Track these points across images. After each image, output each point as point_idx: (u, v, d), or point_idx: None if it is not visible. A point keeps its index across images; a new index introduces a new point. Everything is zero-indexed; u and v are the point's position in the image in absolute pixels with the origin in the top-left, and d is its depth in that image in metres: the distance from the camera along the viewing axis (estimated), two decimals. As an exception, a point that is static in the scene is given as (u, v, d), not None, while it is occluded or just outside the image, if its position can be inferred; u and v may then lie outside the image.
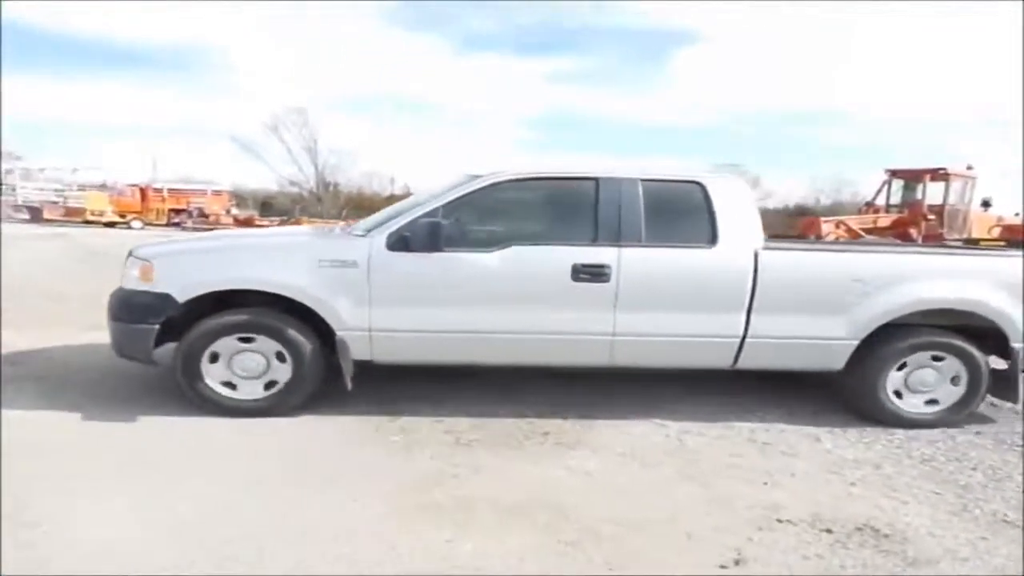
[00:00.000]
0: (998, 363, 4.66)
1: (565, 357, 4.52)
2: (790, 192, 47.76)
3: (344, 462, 3.67)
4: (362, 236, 4.35)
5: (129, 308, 4.25)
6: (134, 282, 4.29)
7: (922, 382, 4.55)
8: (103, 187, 38.61)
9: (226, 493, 3.23)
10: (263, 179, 59.00)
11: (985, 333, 4.52)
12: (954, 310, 4.45)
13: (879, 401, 4.55)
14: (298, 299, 4.19)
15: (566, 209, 4.61)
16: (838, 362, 4.51)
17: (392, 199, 53.15)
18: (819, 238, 14.39)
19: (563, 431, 4.22)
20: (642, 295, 4.31)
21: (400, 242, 4.18)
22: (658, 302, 4.34)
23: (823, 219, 18.12)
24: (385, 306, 4.23)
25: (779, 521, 3.16)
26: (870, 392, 4.55)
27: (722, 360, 4.51)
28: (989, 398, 4.75)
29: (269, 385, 4.25)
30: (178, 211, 34.09)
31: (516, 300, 4.31)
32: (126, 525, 2.91)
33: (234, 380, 4.24)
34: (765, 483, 3.58)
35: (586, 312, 4.31)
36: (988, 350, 4.58)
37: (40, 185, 37.41)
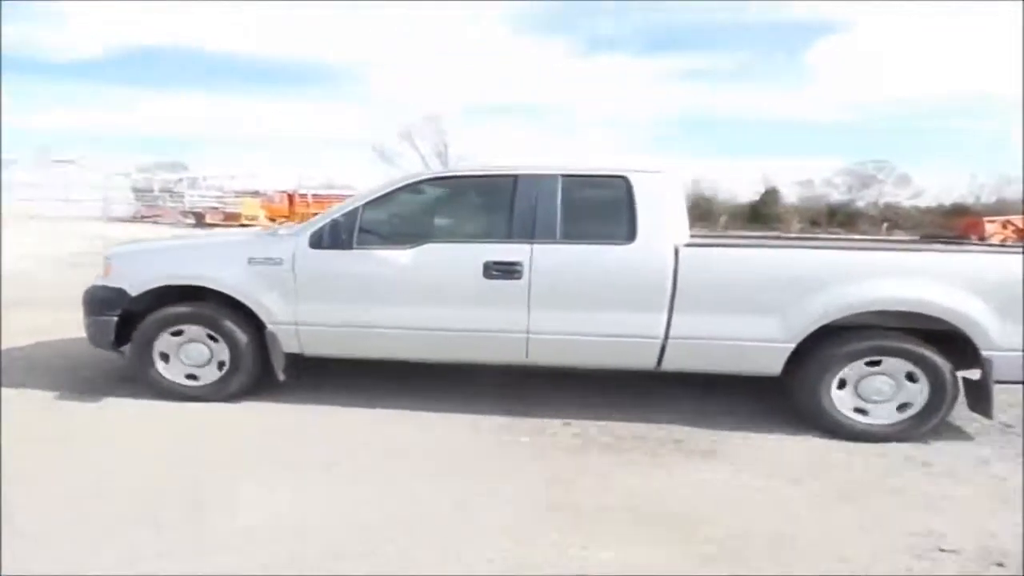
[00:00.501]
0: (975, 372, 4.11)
1: (481, 354, 4.48)
2: (946, 190, 44.07)
3: (474, 461, 3.72)
4: (289, 235, 4.55)
5: (93, 302, 4.67)
6: (100, 279, 4.72)
7: (876, 391, 4.12)
8: (256, 194, 41.70)
9: (365, 488, 3.34)
10: (398, 185, 61.48)
11: (955, 339, 4.03)
12: (910, 313, 3.99)
13: (822, 409, 4.16)
14: (230, 294, 4.45)
15: (483, 207, 4.67)
16: (774, 366, 4.18)
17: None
18: (982, 239, 13.17)
19: (696, 440, 4.09)
20: (556, 293, 4.22)
21: (318, 240, 4.33)
22: (573, 300, 4.23)
23: (986, 219, 16.56)
24: (308, 301, 4.41)
25: (941, 551, 2.90)
26: (812, 400, 4.17)
27: (644, 361, 4.30)
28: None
29: (220, 368, 4.57)
30: (321, 215, 36.07)
31: (429, 297, 4.32)
32: (287, 508, 3.10)
33: (186, 369, 4.60)
34: (926, 508, 3.29)
35: (499, 309, 4.26)
36: (960, 358, 4.08)
37: (202, 192, 40.89)
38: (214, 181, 43.88)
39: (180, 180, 42.31)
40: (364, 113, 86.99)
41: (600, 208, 4.39)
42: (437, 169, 4.20)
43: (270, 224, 31.15)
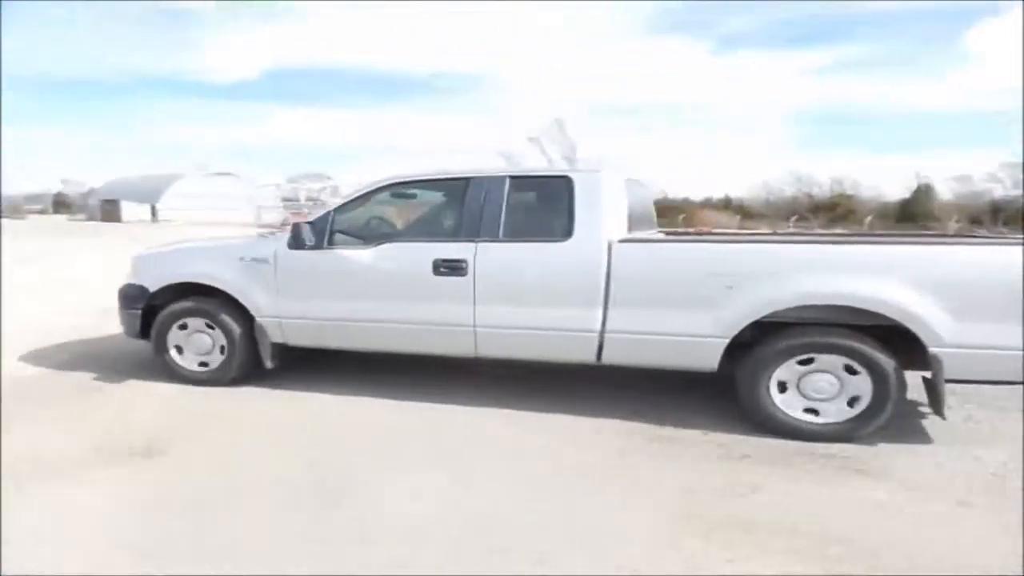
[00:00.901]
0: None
1: (434, 347, 4.66)
2: None
3: (611, 466, 3.56)
4: (275, 237, 4.93)
5: (123, 298, 5.27)
6: (128, 278, 5.28)
7: (816, 389, 3.95)
8: (391, 200, 43.58)
9: (505, 488, 3.29)
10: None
11: (904, 336, 3.79)
12: (845, 307, 3.83)
13: (761, 406, 4.04)
14: (225, 289, 4.91)
15: (437, 208, 4.96)
16: (710, 361, 4.10)
17: (645, 204, 52.67)
18: None
19: (846, 454, 3.73)
20: (498, 288, 4.38)
21: (295, 240, 4.65)
22: (515, 295, 4.36)
23: None
24: (289, 297, 4.80)
25: None
26: (751, 396, 4.06)
27: (585, 355, 4.35)
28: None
29: (222, 353, 4.98)
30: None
31: (387, 292, 4.60)
32: (433, 508, 3.08)
33: (196, 356, 5.06)
34: None
35: (448, 304, 4.46)
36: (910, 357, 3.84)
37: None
38: (355, 189, 46.28)
39: (323, 189, 45.11)
40: (493, 119, 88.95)
41: (543, 208, 4.54)
42: (400, 174, 4.79)
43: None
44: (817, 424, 3.98)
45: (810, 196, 46.59)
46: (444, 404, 4.59)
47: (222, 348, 4.99)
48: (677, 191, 52.01)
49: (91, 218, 42.45)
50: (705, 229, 15.69)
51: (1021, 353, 3.65)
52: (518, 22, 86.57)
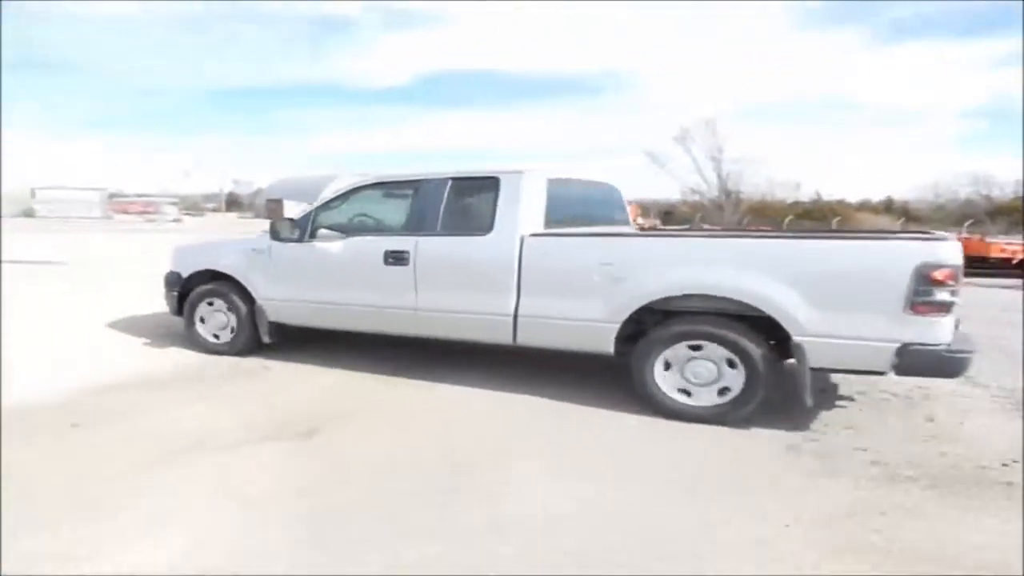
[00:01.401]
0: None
1: (385, 326, 5.27)
2: None
3: (759, 479, 3.38)
4: None
5: (166, 282, 6.27)
6: (169, 266, 6.26)
7: (695, 374, 4.21)
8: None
9: (655, 490, 3.23)
10: (667, 189, 60.92)
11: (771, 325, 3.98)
12: (716, 297, 4.10)
13: (648, 389, 4.34)
14: (233, 276, 5.79)
15: (393, 206, 5.46)
16: (605, 344, 4.45)
17: (796, 206, 49.62)
18: None
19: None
20: (433, 276, 4.93)
21: (272, 234, 5.48)
22: (446, 282, 4.90)
23: None
24: (279, 282, 5.58)
25: None
26: (640, 379, 4.36)
27: (504, 336, 4.76)
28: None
29: (231, 332, 5.88)
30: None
31: (350, 279, 5.27)
32: (577, 504, 3.05)
33: (213, 330, 5.97)
34: None
35: (395, 289, 5.06)
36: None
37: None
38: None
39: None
40: (637, 120, 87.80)
41: (474, 205, 4.97)
42: (368, 177, 5.53)
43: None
44: (694, 406, 4.22)
45: (988, 198, 42.19)
46: (576, 404, 4.59)
47: (232, 327, 5.86)
48: (832, 191, 48.88)
49: (258, 215, 46.29)
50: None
51: (882, 344, 3.74)
52: (667, 19, 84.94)
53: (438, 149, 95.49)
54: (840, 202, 46.53)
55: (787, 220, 36.97)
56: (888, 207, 46.22)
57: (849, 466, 3.56)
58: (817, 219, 40.36)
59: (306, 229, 5.42)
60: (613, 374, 4.86)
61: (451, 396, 4.76)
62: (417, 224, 5.07)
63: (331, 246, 5.35)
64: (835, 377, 5.38)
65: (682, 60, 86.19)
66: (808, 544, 2.73)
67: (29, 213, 45.71)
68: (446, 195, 4.99)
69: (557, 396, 4.73)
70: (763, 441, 3.91)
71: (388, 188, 5.55)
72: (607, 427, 4.17)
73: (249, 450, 3.65)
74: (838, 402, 4.73)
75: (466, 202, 5.03)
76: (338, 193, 5.53)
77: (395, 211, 5.41)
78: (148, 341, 6.38)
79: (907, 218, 37.13)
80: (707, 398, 4.19)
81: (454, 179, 5.02)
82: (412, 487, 3.22)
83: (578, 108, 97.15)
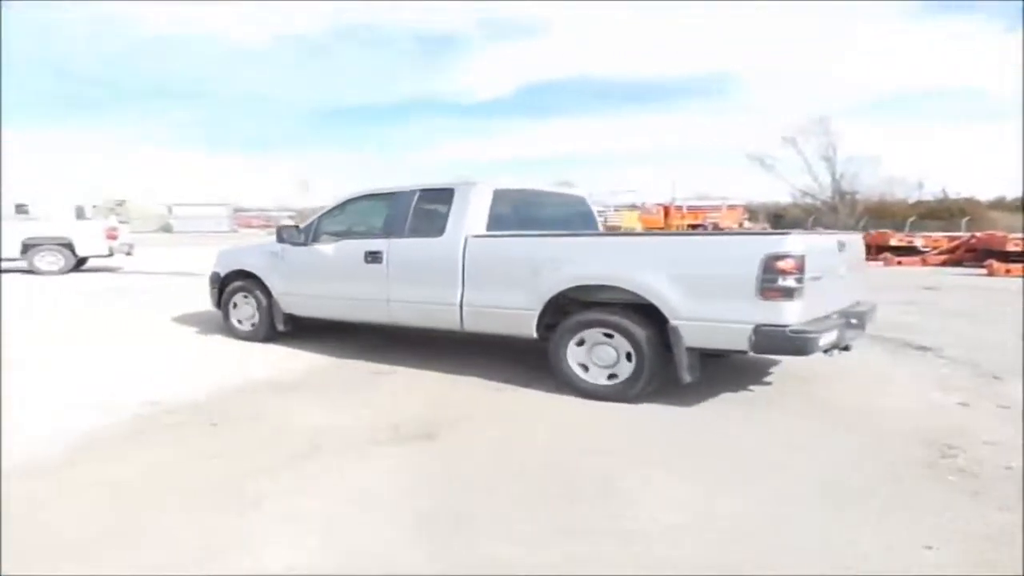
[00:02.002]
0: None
1: (367, 315, 6.17)
2: None
3: (896, 497, 3.19)
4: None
5: (210, 280, 7.55)
6: (212, 267, 7.49)
7: (598, 357, 4.80)
8: (633, 207, 43.73)
9: (777, 502, 3.15)
10: (775, 192, 58.70)
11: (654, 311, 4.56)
12: (606, 286, 4.73)
13: (562, 370, 4.94)
14: (256, 274, 6.93)
15: (375, 214, 6.22)
16: (529, 329, 5.11)
17: (919, 205, 46.60)
18: None
19: None
20: (401, 272, 5.79)
21: (278, 238, 6.63)
22: (411, 277, 5.74)
23: None
24: (289, 279, 6.66)
25: None
26: (556, 360, 4.97)
27: (453, 323, 5.52)
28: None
29: (254, 321, 7.08)
30: (695, 226, 36.36)
31: (340, 275, 6.20)
32: (695, 515, 3.01)
33: (244, 320, 7.18)
34: None
35: (373, 284, 5.92)
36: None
37: (587, 208, 44.33)
38: (598, 197, 47.27)
39: (566, 197, 46.39)
40: (743, 120, 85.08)
41: (434, 212, 5.72)
42: (357, 191, 6.60)
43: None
44: (598, 385, 4.80)
45: None
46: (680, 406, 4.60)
47: (258, 317, 7.00)
48: (960, 189, 45.49)
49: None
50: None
51: (741, 325, 4.22)
52: (772, 18, 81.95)
53: (540, 156, 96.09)
54: (969, 200, 43.25)
55: (909, 221, 34.81)
56: (1025, 204, 42.47)
57: (994, 483, 3.34)
58: (943, 219, 37.69)
59: (310, 234, 6.46)
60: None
61: (561, 404, 4.79)
62: (390, 229, 5.93)
63: (327, 248, 6.33)
64: (970, 387, 5.06)
65: (788, 59, 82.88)
66: (962, 564, 2.58)
67: (167, 228, 49.60)
68: (413, 204, 5.86)
69: (673, 402, 4.71)
70: (889, 451, 3.76)
71: (372, 199, 6.41)
72: (728, 431, 4.13)
73: (373, 452, 3.81)
74: (969, 412, 4.41)
75: (428, 209, 5.79)
76: (337, 203, 6.58)
77: (376, 218, 6.23)
78: (270, 345, 6.85)
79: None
80: (604, 378, 4.78)
81: (421, 191, 5.90)
82: (531, 490, 3.27)
83: (682, 111, 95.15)
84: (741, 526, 2.90)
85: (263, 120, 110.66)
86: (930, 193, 46.69)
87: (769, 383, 5.33)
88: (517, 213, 6.03)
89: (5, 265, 14.72)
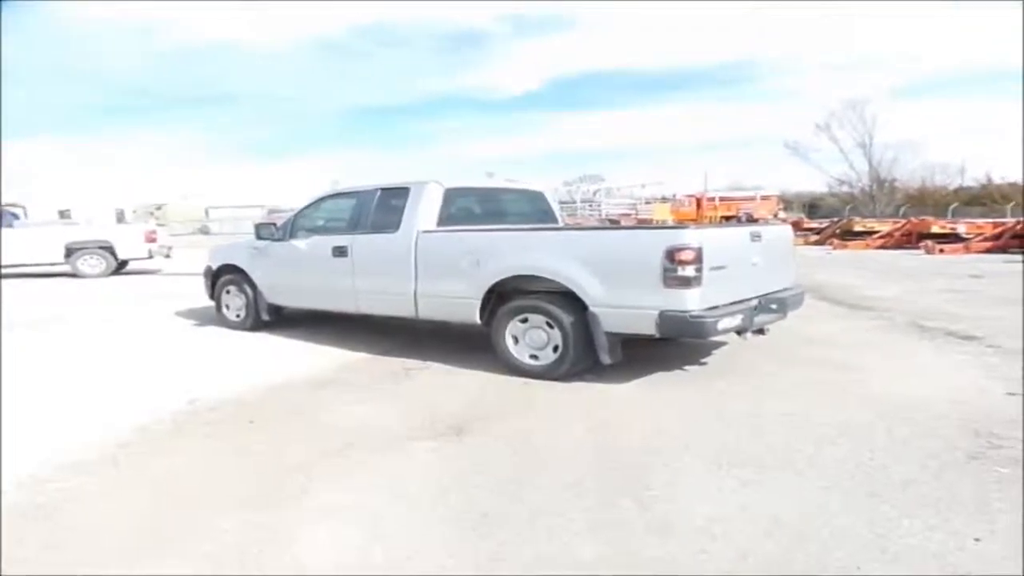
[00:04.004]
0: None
1: (338, 305, 6.67)
2: None
3: (942, 487, 3.12)
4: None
5: (204, 274, 8.15)
6: (205, 262, 8.06)
7: (532, 339, 5.25)
8: (665, 199, 43.32)
9: (806, 493, 3.09)
10: (811, 181, 57.68)
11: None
12: (541, 277, 5.12)
13: (502, 352, 5.40)
14: (243, 268, 7.45)
15: (343, 211, 6.71)
16: (473, 316, 5.53)
17: (961, 192, 45.45)
18: None
19: None
20: (364, 265, 6.25)
21: (256, 235, 7.18)
22: (372, 269, 6.20)
23: None
24: (270, 272, 7.18)
25: None
26: (497, 343, 5.42)
27: (410, 312, 5.99)
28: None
29: (242, 312, 7.62)
30: (728, 217, 35.86)
31: (312, 268, 6.72)
32: (733, 508, 2.97)
33: (233, 311, 7.75)
34: None
35: (341, 276, 6.38)
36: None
37: (617, 201, 44.08)
38: (627, 190, 46.99)
39: (598, 191, 46.25)
40: (778, 108, 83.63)
41: (392, 209, 6.08)
42: (327, 190, 7.16)
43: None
44: (534, 365, 5.22)
45: None
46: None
47: (245, 307, 7.51)
48: (1005, 174, 44.14)
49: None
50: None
51: (649, 311, 4.58)
52: (803, 8, 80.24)
53: (569, 151, 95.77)
54: (1014, 185, 41.99)
55: (952, 207, 33.95)
56: (1077, 188, 41.08)
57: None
58: (987, 205, 36.68)
59: (287, 231, 6.96)
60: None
61: (594, 396, 4.77)
62: (355, 225, 6.40)
63: (301, 244, 6.82)
64: (1018, 377, 4.90)
65: (822, 44, 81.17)
66: (1002, 558, 2.50)
67: (204, 230, 50.57)
68: (375, 202, 6.27)
69: (703, 395, 4.72)
70: (931, 442, 3.67)
71: (341, 197, 6.88)
72: (761, 426, 4.03)
73: (408, 447, 3.84)
74: (1017, 401, 4.28)
75: (387, 207, 6.15)
76: (311, 201, 7.06)
77: (343, 215, 6.68)
78: (306, 342, 6.89)
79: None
80: (544, 357, 5.17)
81: (381, 189, 6.30)
82: (560, 484, 3.26)
83: (713, 100, 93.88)
84: (781, 517, 2.86)
85: (294, 123, 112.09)
86: (973, 179, 45.51)
87: (814, 374, 5.25)
88: (473, 210, 6.58)
89: (49, 269, 15.15)
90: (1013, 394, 4.57)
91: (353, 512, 3.00)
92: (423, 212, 5.90)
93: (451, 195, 6.08)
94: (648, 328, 4.64)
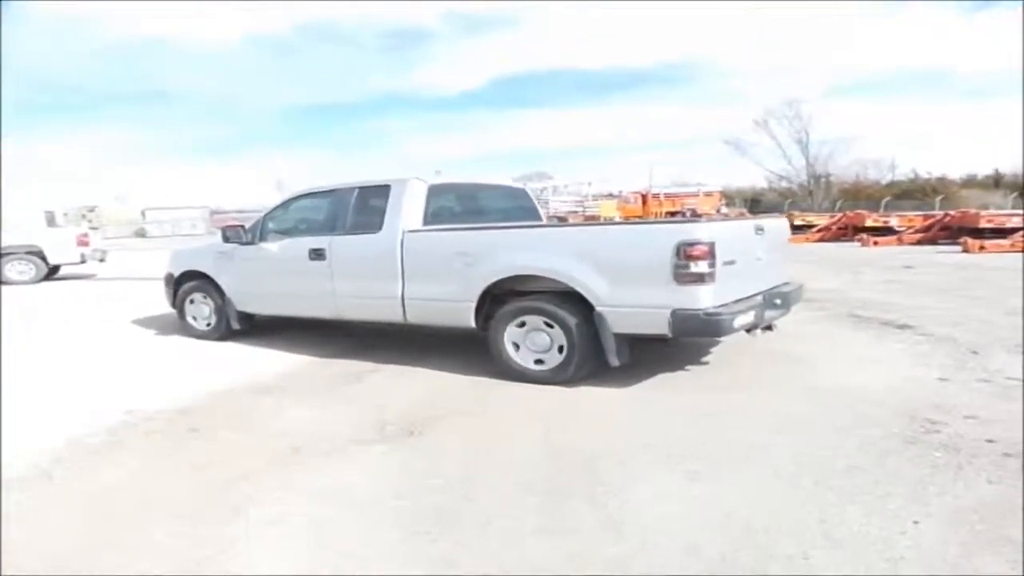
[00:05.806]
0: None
1: (315, 311, 6.29)
2: None
3: (882, 473, 3.20)
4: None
5: (164, 281, 7.59)
6: (166, 268, 7.51)
7: (534, 343, 4.93)
8: (612, 196, 43.79)
9: (764, 484, 3.13)
10: (752, 177, 59.13)
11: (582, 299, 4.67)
12: (542, 277, 4.82)
13: (501, 357, 5.06)
14: (208, 274, 6.97)
15: (317, 212, 6.43)
16: (467, 320, 5.21)
17: (893, 186, 47.33)
18: None
19: None
20: (343, 268, 5.88)
21: (223, 239, 6.61)
22: (353, 272, 5.84)
23: None
24: (239, 277, 6.73)
25: None
26: (495, 348, 5.09)
27: (396, 316, 5.66)
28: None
29: (211, 320, 7.10)
30: (673, 212, 36.50)
31: (286, 273, 6.28)
32: (683, 503, 2.97)
33: (200, 320, 7.22)
34: None
35: (318, 280, 6.00)
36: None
37: (563, 198, 44.30)
38: (574, 187, 47.25)
39: (544, 188, 46.38)
40: (719, 108, 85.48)
41: (372, 208, 5.77)
42: (299, 190, 6.72)
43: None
44: (539, 370, 4.92)
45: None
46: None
47: (214, 315, 7.06)
48: (932, 169, 46.07)
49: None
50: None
51: (660, 311, 4.36)
52: (741, 5, 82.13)
53: (515, 149, 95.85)
54: (941, 179, 43.88)
55: (884, 201, 35.23)
56: (997, 182, 43.18)
57: (975, 456, 3.37)
58: (917, 198, 38.18)
59: (256, 233, 6.48)
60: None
61: (549, 396, 4.74)
62: (332, 226, 6.07)
63: (272, 247, 6.39)
64: (950, 363, 5.10)
65: (760, 45, 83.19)
66: (947, 539, 2.59)
67: (141, 233, 48.88)
68: (353, 201, 5.95)
69: (658, 390, 4.72)
70: (876, 431, 3.75)
71: (314, 197, 6.53)
72: (730, 423, 4.06)
73: (357, 451, 3.76)
74: (949, 387, 4.45)
75: (367, 206, 5.86)
76: (279, 203, 6.70)
77: (318, 216, 6.41)
78: (253, 347, 6.71)
79: (1021, 192, 34.52)
80: (549, 360, 4.88)
81: (360, 188, 5.98)
82: (513, 485, 3.23)
83: (657, 101, 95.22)
84: (729, 510, 2.89)
85: (236, 121, 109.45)
86: (902, 174, 47.32)
87: (749, 367, 5.34)
88: (457, 207, 6.32)
89: (-26, 276, 14.40)
90: (945, 380, 4.76)
91: (301, 520, 2.92)
92: (407, 210, 5.58)
93: (433, 192, 5.79)
94: (660, 328, 4.42)
